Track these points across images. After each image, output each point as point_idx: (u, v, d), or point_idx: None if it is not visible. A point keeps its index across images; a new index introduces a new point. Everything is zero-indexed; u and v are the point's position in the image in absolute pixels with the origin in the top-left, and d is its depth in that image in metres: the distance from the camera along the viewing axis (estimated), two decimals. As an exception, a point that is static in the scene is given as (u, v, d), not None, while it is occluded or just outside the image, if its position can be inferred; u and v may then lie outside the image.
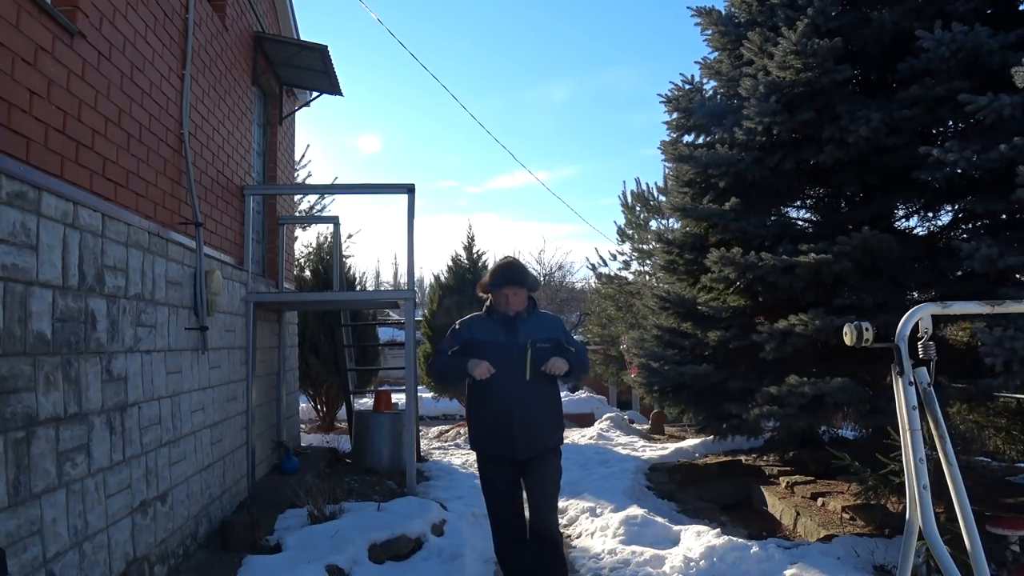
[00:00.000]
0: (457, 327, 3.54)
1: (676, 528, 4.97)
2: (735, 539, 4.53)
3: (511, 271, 3.46)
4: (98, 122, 3.19)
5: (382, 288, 32.71)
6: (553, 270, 29.10)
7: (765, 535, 5.43)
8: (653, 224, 15.14)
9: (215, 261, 4.81)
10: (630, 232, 16.23)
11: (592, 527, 5.30)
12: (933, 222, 6.40)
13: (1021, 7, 5.24)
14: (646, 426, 12.02)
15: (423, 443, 9.68)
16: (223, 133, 5.21)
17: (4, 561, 2.19)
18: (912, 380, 1.85)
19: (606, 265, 17.19)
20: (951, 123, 5.51)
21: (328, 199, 12.70)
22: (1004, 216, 5.04)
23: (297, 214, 9.26)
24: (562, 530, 4.65)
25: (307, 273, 10.65)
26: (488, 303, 3.54)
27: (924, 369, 1.86)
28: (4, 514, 2.37)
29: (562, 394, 4.01)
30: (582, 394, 15.25)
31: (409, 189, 5.86)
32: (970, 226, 5.71)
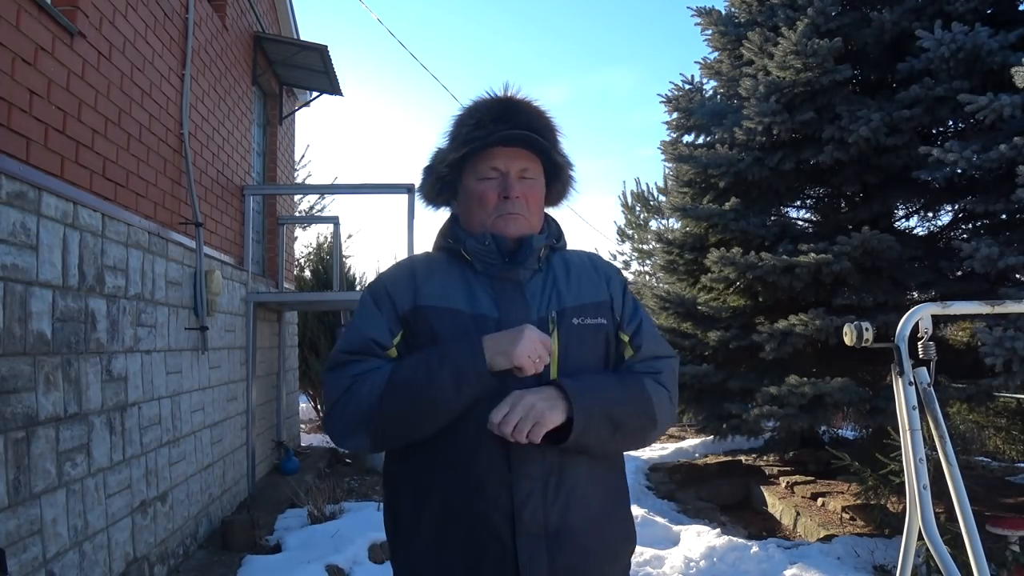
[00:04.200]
0: (381, 286, 1.35)
1: (676, 528, 4.97)
2: (735, 539, 4.53)
3: (512, 109, 1.35)
4: (98, 122, 3.19)
5: (382, 288, 32.55)
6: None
7: (765, 535, 5.43)
8: (653, 224, 15.15)
9: (215, 261, 4.81)
10: (630, 232, 16.24)
11: (592, 527, 5.30)
12: (933, 222, 6.42)
13: (1021, 7, 5.24)
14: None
15: (423, 443, 9.66)
16: (223, 133, 5.21)
17: (4, 561, 2.19)
18: (912, 380, 1.85)
19: (606, 265, 17.17)
20: (951, 123, 5.51)
21: (328, 199, 12.71)
22: (1004, 216, 5.04)
23: (297, 214, 9.26)
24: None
25: (307, 273, 10.65)
26: (446, 226, 1.43)
27: (924, 369, 1.86)
28: (4, 514, 2.37)
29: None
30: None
31: (409, 189, 5.86)
32: (970, 226, 5.72)
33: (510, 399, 1.17)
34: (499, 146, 1.33)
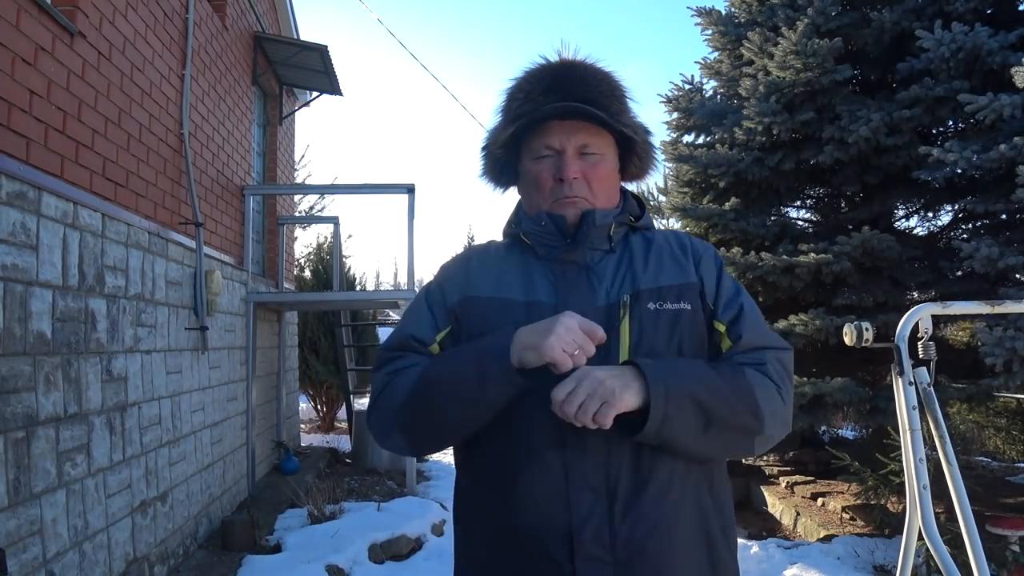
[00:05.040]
0: (435, 278, 1.27)
1: (676, 528, 4.97)
2: (735, 539, 4.53)
3: (566, 77, 1.19)
4: (98, 122, 3.19)
5: (382, 288, 32.68)
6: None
7: (765, 535, 5.43)
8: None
9: (215, 261, 4.81)
10: (630, 232, 16.22)
11: (592, 527, 5.30)
12: (933, 222, 6.41)
13: (1021, 7, 5.24)
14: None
15: (423, 443, 9.67)
16: (223, 133, 5.21)
17: (4, 561, 2.19)
18: (912, 380, 1.85)
19: (606, 265, 17.13)
20: (951, 123, 5.51)
21: (328, 199, 12.71)
22: (1004, 216, 5.04)
23: (297, 214, 9.26)
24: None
25: (307, 273, 10.65)
26: (513, 211, 1.30)
27: (924, 369, 1.86)
28: (4, 514, 2.37)
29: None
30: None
31: (409, 189, 5.86)
32: (970, 226, 5.72)
33: (576, 375, 1.00)
34: (554, 120, 1.16)
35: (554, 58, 1.22)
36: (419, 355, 1.17)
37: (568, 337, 0.99)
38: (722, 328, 1.17)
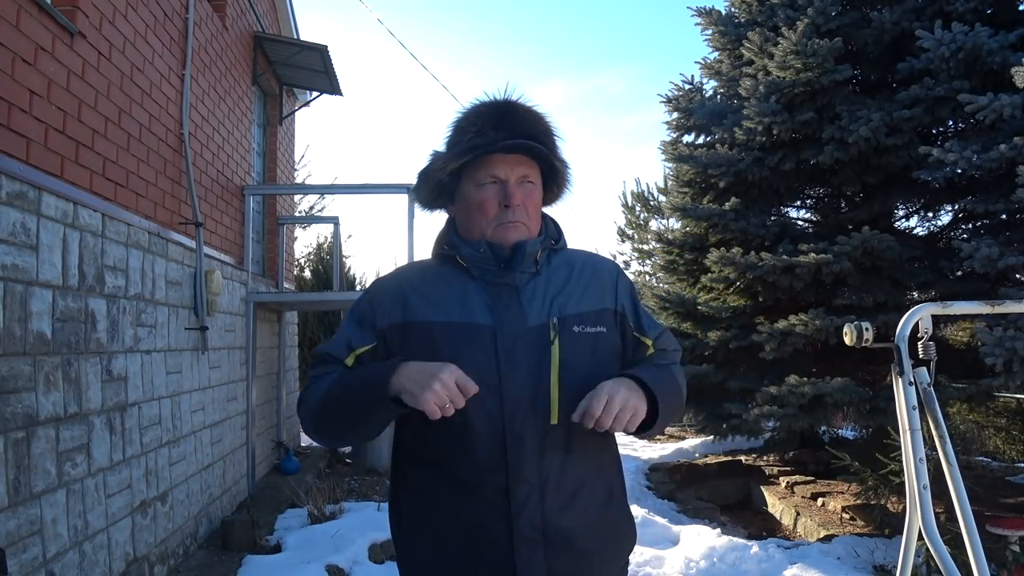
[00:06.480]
0: (368, 295, 1.39)
1: (676, 528, 4.97)
2: (735, 539, 4.53)
3: (511, 115, 1.33)
4: (98, 122, 3.19)
5: (382, 288, 32.51)
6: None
7: (765, 535, 5.43)
8: (653, 224, 15.14)
9: (215, 261, 4.81)
10: (630, 232, 16.22)
11: (592, 527, 5.29)
12: (933, 222, 6.42)
13: (1021, 7, 5.24)
14: (646, 426, 11.99)
15: (423, 443, 9.67)
16: (223, 133, 5.21)
17: (4, 561, 2.19)
18: (912, 380, 1.85)
19: (606, 265, 17.10)
20: (951, 123, 5.52)
21: (328, 199, 12.71)
22: (1004, 216, 5.04)
23: (297, 214, 9.26)
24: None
25: (307, 273, 10.65)
26: (443, 232, 1.42)
27: (924, 369, 1.86)
28: (4, 514, 2.37)
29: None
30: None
31: (409, 189, 5.85)
32: (970, 226, 5.72)
33: (606, 389, 1.20)
34: (498, 152, 1.31)
35: (493, 95, 1.38)
36: (336, 365, 1.35)
37: (443, 393, 1.14)
38: (649, 342, 1.44)
